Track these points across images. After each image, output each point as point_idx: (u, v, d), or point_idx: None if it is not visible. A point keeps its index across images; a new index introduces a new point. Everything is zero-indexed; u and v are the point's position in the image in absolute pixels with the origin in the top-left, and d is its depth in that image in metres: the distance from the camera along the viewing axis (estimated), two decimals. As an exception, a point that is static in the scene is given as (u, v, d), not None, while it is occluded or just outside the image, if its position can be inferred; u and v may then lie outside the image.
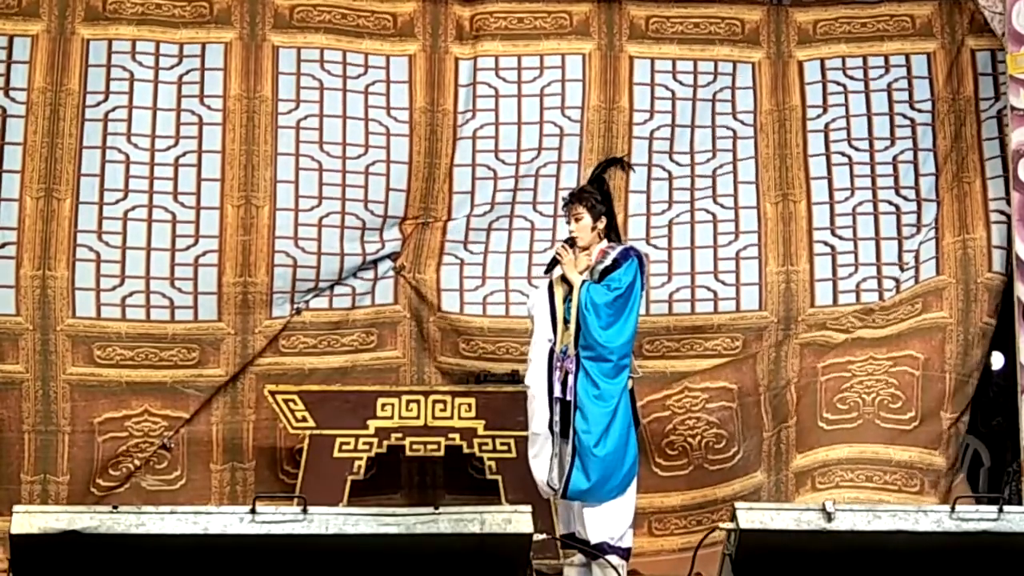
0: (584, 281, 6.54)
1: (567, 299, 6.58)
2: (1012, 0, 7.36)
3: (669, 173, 7.99)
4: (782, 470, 7.82)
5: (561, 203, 6.82)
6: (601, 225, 6.66)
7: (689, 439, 7.81)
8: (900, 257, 7.98)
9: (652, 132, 7.99)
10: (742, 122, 8.04)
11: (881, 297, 7.93)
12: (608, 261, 6.59)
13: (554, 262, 6.68)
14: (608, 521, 6.40)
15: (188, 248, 7.64)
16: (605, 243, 6.67)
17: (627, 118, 7.97)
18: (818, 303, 7.96)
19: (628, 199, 7.91)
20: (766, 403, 7.88)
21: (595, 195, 6.73)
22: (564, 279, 6.62)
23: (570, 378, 6.46)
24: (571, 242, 6.66)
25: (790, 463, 7.82)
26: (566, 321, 6.56)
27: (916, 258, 7.93)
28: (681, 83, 8.04)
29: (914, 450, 7.68)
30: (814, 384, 7.87)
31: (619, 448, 6.43)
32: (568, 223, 6.69)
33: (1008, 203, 7.67)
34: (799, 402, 7.86)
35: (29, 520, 4.78)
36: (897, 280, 7.95)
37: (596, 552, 6.34)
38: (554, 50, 8.02)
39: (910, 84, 8.05)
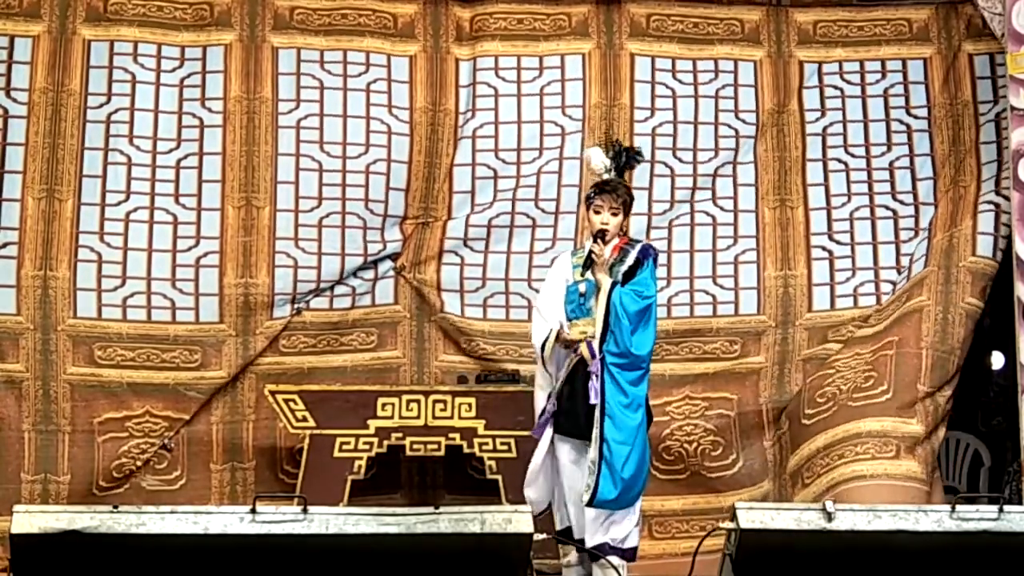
0: (614, 283, 6.37)
1: (583, 295, 6.44)
2: (1012, 0, 7.38)
3: (671, 170, 8.00)
4: (781, 474, 7.83)
5: (592, 191, 6.56)
6: (627, 222, 6.55)
7: (685, 445, 7.81)
8: (897, 261, 7.99)
9: (654, 129, 8.00)
10: (744, 121, 8.05)
11: (878, 301, 7.94)
12: (630, 260, 6.43)
13: (590, 259, 6.46)
14: (611, 524, 6.34)
15: (189, 249, 7.65)
16: (617, 239, 6.52)
17: (628, 115, 7.98)
18: (816, 307, 7.96)
19: (630, 196, 7.93)
20: (768, 415, 7.88)
21: (630, 191, 6.60)
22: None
23: (594, 381, 6.30)
24: (601, 235, 6.44)
25: (787, 466, 7.82)
26: (575, 317, 6.44)
27: (911, 260, 7.93)
28: (681, 81, 8.05)
29: (887, 419, 7.57)
30: (801, 388, 7.87)
31: (643, 456, 6.34)
32: (598, 213, 6.46)
33: (997, 193, 7.68)
34: (789, 406, 7.86)
35: (29, 520, 4.79)
36: (894, 284, 7.96)
37: (596, 553, 6.30)
38: (553, 51, 8.03)
39: (906, 90, 8.06)
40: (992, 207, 7.74)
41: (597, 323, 6.34)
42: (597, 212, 6.47)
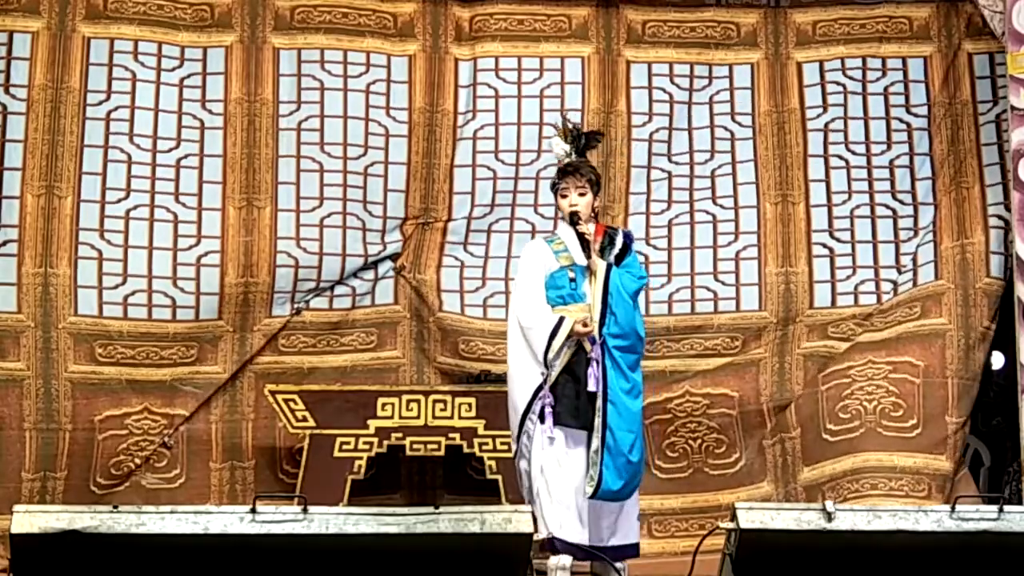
0: (610, 265, 6.25)
1: (573, 280, 6.27)
2: (1012, 0, 7.37)
3: (668, 173, 8.01)
4: (790, 482, 7.80)
5: (555, 176, 6.45)
6: (597, 203, 6.43)
7: (690, 442, 7.81)
8: (897, 260, 7.98)
9: (651, 135, 8.00)
10: (740, 123, 8.06)
11: (879, 300, 7.93)
12: (619, 243, 6.35)
13: (586, 243, 6.29)
14: (619, 524, 6.23)
15: (190, 248, 7.64)
16: (595, 222, 6.39)
17: (626, 121, 7.96)
18: (816, 304, 7.95)
19: (629, 200, 7.94)
20: (769, 413, 7.88)
21: (596, 170, 6.47)
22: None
23: (594, 368, 6.14)
24: (574, 217, 6.32)
25: (798, 476, 7.80)
26: (564, 304, 6.27)
27: (914, 261, 7.93)
28: (678, 86, 8.04)
29: (919, 456, 7.68)
30: (815, 394, 7.86)
31: (644, 445, 6.24)
32: (565, 197, 6.35)
33: (1007, 208, 7.69)
34: (800, 411, 7.85)
35: (29, 519, 4.78)
36: (894, 283, 7.96)
37: (602, 556, 6.16)
38: (553, 52, 8.02)
39: (907, 88, 8.06)
40: (1002, 224, 7.76)
41: (595, 306, 6.22)
42: (564, 196, 6.36)
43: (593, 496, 6.13)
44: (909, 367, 7.78)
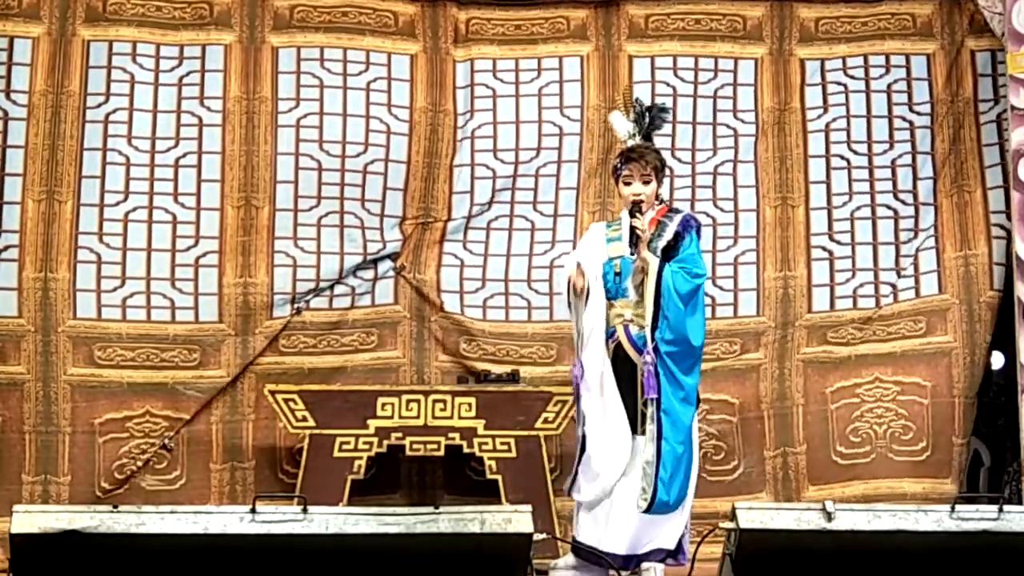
0: (663, 263, 5.93)
1: (618, 275, 6.03)
2: (1012, 0, 7.38)
3: (671, 170, 7.98)
4: (792, 497, 7.73)
5: (618, 160, 6.15)
6: (661, 190, 6.15)
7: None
8: (897, 262, 7.96)
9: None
10: (742, 120, 8.03)
11: (877, 304, 7.91)
12: (669, 234, 6.02)
13: (634, 236, 5.99)
14: (663, 528, 6.05)
15: (188, 249, 7.65)
16: (655, 210, 6.09)
17: (627, 117, 7.95)
18: (815, 308, 7.93)
19: (629, 200, 7.94)
20: (769, 420, 7.85)
21: (660, 154, 6.15)
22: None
23: (645, 371, 5.89)
24: (636, 207, 5.97)
25: (802, 492, 7.76)
26: (610, 298, 6.05)
27: (916, 267, 7.91)
28: (682, 80, 8.02)
29: (927, 481, 7.70)
30: (824, 411, 7.83)
31: (694, 453, 6.04)
32: (628, 184, 6.03)
33: (1008, 218, 7.67)
34: (808, 428, 7.82)
35: (29, 520, 4.78)
36: (894, 286, 7.94)
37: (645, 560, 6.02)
38: (551, 53, 8.01)
39: (909, 86, 8.04)
40: (1004, 234, 7.75)
41: (647, 307, 5.93)
42: (627, 183, 6.05)
43: (647, 511, 5.95)
44: (917, 388, 7.78)
